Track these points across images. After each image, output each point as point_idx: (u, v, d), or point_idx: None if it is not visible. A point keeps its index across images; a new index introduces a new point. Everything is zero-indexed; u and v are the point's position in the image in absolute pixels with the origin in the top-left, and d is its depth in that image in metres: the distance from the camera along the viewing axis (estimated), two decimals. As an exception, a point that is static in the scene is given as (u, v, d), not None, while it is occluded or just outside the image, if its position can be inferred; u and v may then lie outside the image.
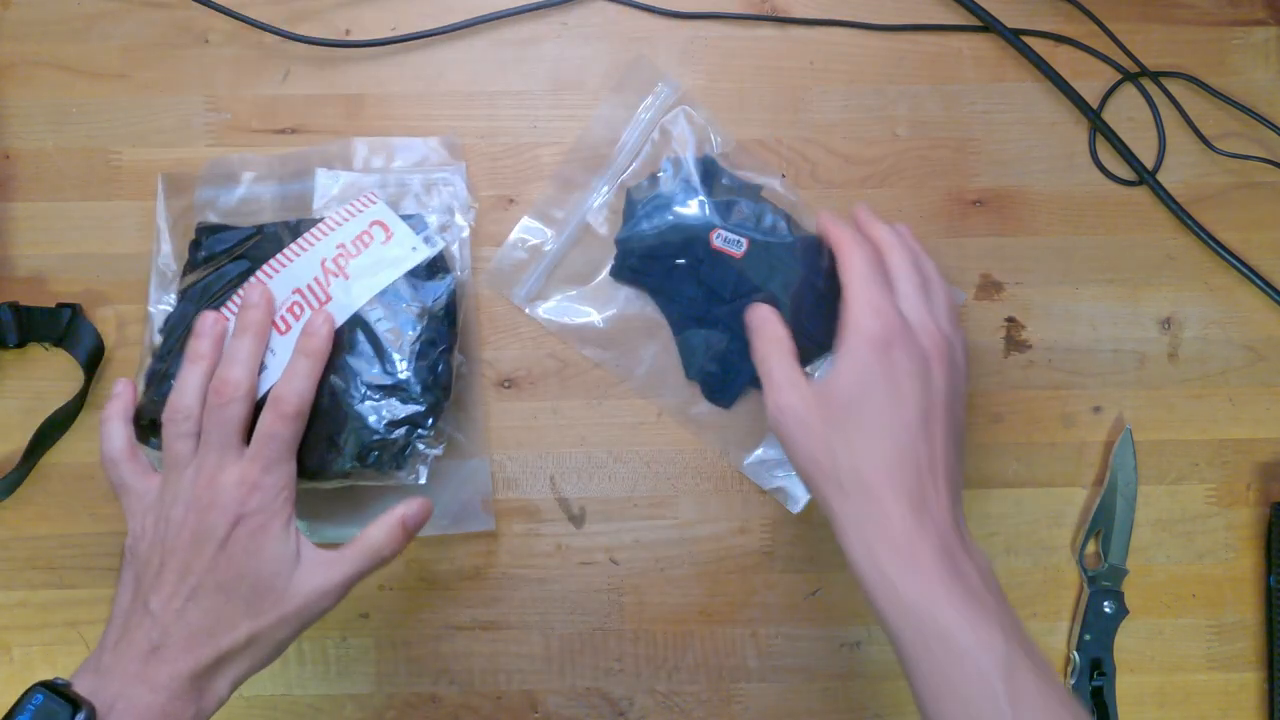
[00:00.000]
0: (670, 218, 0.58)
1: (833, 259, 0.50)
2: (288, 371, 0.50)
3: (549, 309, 0.60)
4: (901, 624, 0.43)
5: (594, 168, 0.61)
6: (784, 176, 0.61)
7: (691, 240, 0.58)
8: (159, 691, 0.43)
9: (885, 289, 0.48)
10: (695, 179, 0.59)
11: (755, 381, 0.52)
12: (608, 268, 0.60)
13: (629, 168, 0.60)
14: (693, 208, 0.58)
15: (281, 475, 0.48)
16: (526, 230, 0.60)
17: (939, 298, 0.50)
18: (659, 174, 0.59)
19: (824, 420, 0.46)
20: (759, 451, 0.60)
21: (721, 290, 0.58)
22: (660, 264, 0.58)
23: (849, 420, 0.46)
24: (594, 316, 0.60)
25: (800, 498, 0.59)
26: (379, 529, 0.49)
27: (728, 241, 0.57)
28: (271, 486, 0.48)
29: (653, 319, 0.60)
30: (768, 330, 0.50)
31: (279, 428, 0.48)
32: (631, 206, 0.59)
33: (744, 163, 0.60)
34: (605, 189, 0.60)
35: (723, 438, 0.60)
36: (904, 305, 0.48)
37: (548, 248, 0.60)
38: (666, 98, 0.60)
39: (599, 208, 0.60)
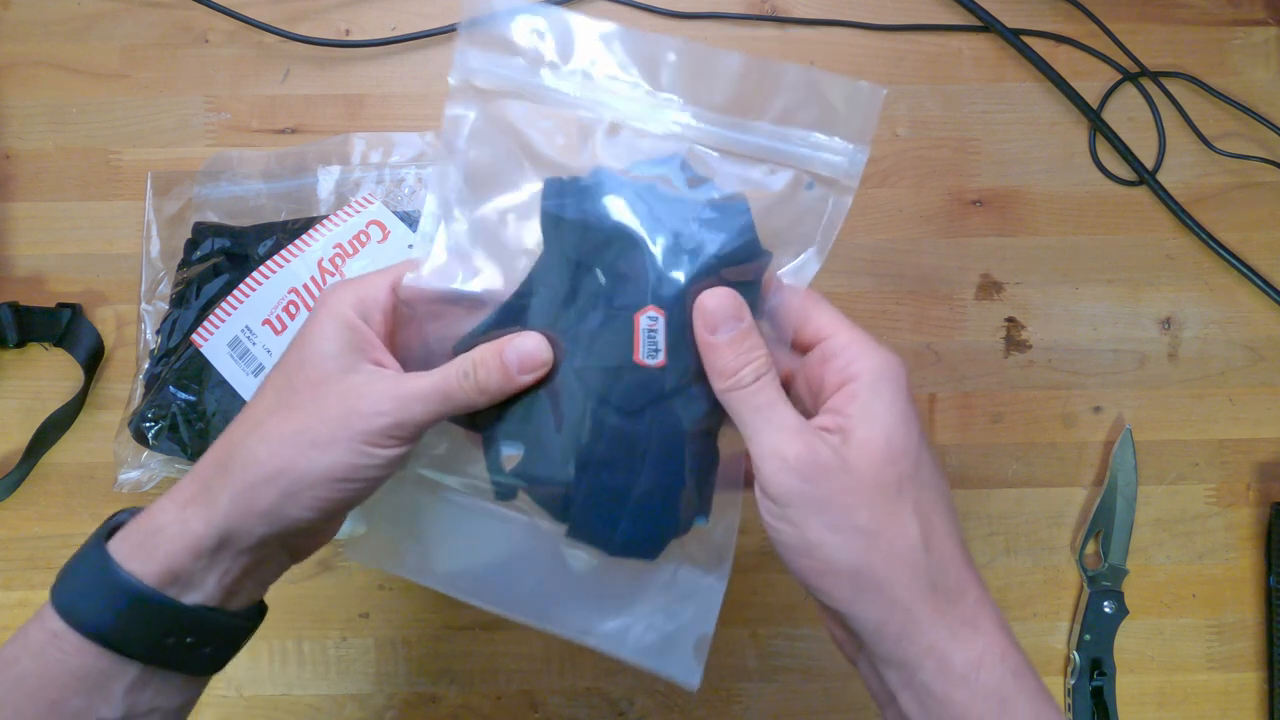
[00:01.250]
0: (643, 221, 0.36)
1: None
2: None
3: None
4: None
5: None
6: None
7: (627, 280, 0.36)
8: (166, 504, 0.36)
9: None
10: (725, 239, 0.36)
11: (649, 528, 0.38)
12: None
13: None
14: (667, 248, 0.36)
15: (378, 286, 0.38)
16: None
17: None
18: (714, 191, 0.37)
19: (881, 492, 0.33)
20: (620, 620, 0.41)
21: (588, 366, 0.37)
22: (584, 249, 0.37)
23: (920, 490, 0.34)
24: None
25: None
26: (478, 354, 0.36)
27: (649, 336, 0.36)
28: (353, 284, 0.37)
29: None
30: (753, 337, 0.35)
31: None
32: (650, 171, 0.37)
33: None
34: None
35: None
36: None
37: None
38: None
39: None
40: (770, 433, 0.34)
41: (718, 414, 0.37)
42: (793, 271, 0.38)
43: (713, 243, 0.36)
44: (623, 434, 0.36)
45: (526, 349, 0.36)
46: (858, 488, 0.33)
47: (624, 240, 0.36)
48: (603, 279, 0.36)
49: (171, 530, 0.35)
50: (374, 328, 0.37)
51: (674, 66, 0.37)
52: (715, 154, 0.38)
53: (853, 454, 0.34)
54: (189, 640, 0.35)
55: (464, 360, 0.36)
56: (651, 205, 0.36)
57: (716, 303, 0.35)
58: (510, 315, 0.38)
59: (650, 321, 0.36)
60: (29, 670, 0.34)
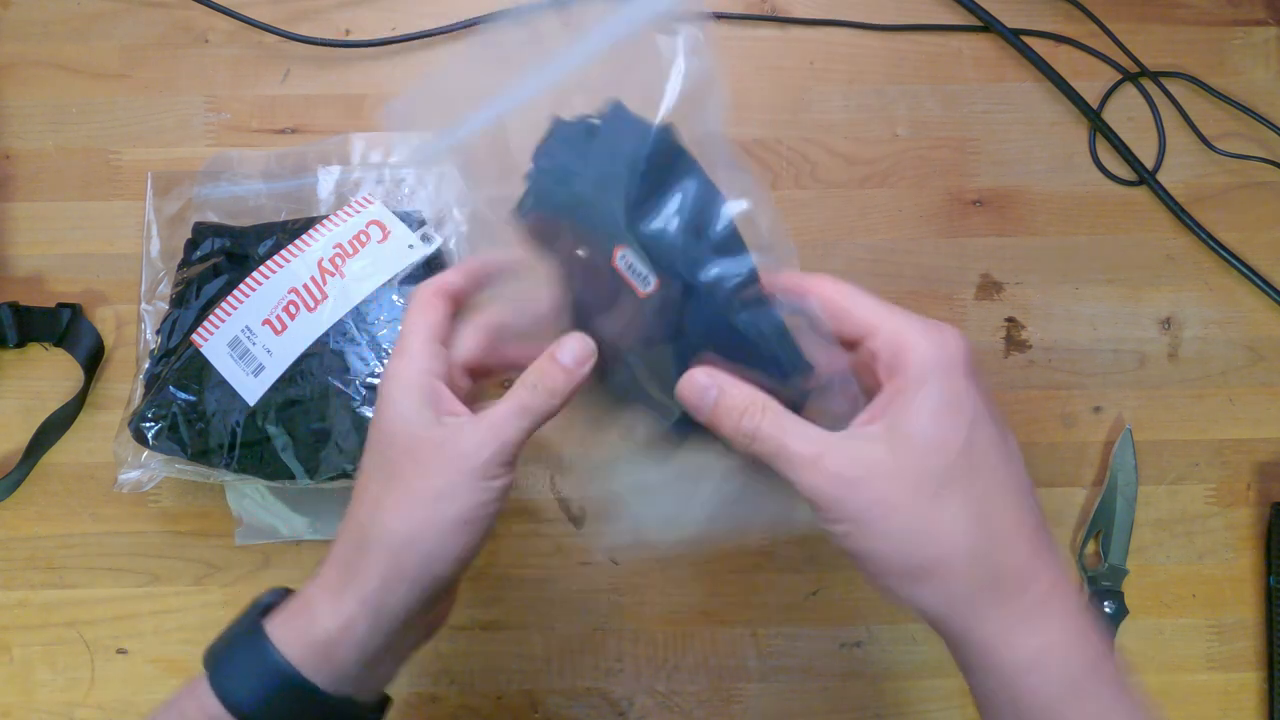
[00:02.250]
0: (573, 192, 0.38)
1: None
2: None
3: None
4: None
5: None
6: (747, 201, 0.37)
7: (593, 240, 0.38)
8: (317, 589, 0.37)
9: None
10: (631, 152, 0.36)
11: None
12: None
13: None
14: (600, 197, 0.37)
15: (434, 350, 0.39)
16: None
17: None
18: (592, 120, 0.38)
19: (921, 489, 0.33)
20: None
21: (623, 325, 0.39)
22: (562, 241, 0.39)
23: (972, 479, 0.33)
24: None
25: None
26: (534, 367, 0.38)
27: (633, 270, 0.37)
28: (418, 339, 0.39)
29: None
30: (731, 395, 0.36)
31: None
32: (550, 151, 0.39)
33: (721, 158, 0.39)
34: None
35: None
36: None
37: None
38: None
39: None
40: (795, 470, 0.34)
41: (749, 276, 0.36)
42: (707, 108, 0.37)
43: (618, 149, 0.36)
44: (689, 354, 0.38)
45: (570, 348, 0.38)
46: (897, 488, 0.33)
47: (570, 213, 0.38)
48: (582, 253, 0.38)
49: (325, 616, 0.36)
50: (439, 377, 0.38)
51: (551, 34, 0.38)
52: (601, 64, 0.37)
53: (890, 452, 0.33)
54: None
55: (526, 376, 0.38)
56: (566, 171, 0.38)
57: (688, 387, 0.37)
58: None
59: (623, 260, 0.37)
60: None
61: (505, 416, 0.37)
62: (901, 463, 0.33)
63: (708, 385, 0.36)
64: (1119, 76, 0.62)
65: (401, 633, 0.38)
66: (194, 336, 0.54)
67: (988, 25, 0.62)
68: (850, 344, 0.36)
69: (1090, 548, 0.60)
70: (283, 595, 0.38)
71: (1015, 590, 0.33)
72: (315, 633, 0.36)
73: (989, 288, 0.62)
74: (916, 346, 0.34)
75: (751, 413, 0.35)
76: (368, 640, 0.36)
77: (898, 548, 0.33)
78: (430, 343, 0.39)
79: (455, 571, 0.37)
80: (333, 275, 0.54)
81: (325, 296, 0.53)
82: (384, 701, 0.41)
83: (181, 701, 0.36)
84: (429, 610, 0.39)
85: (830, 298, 0.36)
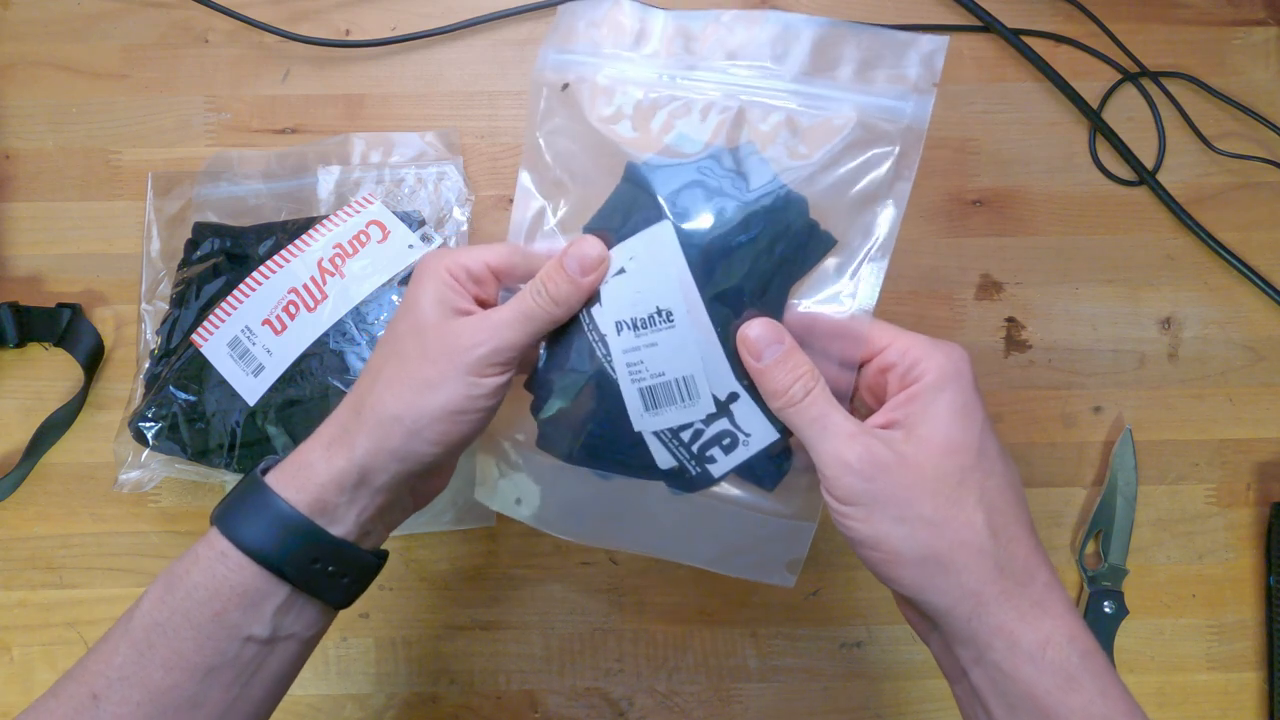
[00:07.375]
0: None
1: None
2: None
3: None
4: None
5: None
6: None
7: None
8: (313, 445, 0.40)
9: None
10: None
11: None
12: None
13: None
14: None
15: (469, 255, 0.41)
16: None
17: None
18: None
19: (942, 483, 0.35)
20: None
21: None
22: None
23: (984, 478, 0.36)
24: None
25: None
26: (543, 270, 0.40)
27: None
28: (447, 255, 0.41)
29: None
30: (797, 357, 0.38)
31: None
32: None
33: None
34: None
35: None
36: None
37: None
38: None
39: None
40: (828, 441, 0.37)
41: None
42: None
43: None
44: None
45: (582, 252, 0.40)
46: (919, 481, 0.35)
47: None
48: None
49: (319, 466, 0.39)
50: (464, 287, 0.40)
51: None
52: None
53: (913, 449, 0.36)
54: (331, 569, 0.39)
55: (534, 281, 0.40)
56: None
57: (757, 331, 0.38)
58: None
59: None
60: (199, 583, 0.37)
61: (507, 319, 0.39)
62: (923, 460, 0.36)
63: (776, 340, 0.38)
64: (1119, 76, 0.62)
65: (390, 498, 0.40)
66: (194, 336, 0.54)
67: (988, 25, 0.62)
68: (863, 360, 0.39)
69: (1090, 548, 0.60)
70: (278, 460, 0.41)
71: (1023, 580, 0.35)
72: (310, 482, 0.38)
73: (989, 288, 0.62)
74: (932, 357, 0.37)
75: (808, 379, 0.38)
76: (356, 493, 0.39)
77: (913, 535, 0.35)
78: (467, 250, 0.41)
79: (439, 455, 0.39)
80: (333, 275, 0.54)
81: (325, 296, 0.53)
82: (382, 553, 0.42)
83: (196, 549, 0.38)
84: (418, 483, 0.42)
85: (846, 323, 0.39)
